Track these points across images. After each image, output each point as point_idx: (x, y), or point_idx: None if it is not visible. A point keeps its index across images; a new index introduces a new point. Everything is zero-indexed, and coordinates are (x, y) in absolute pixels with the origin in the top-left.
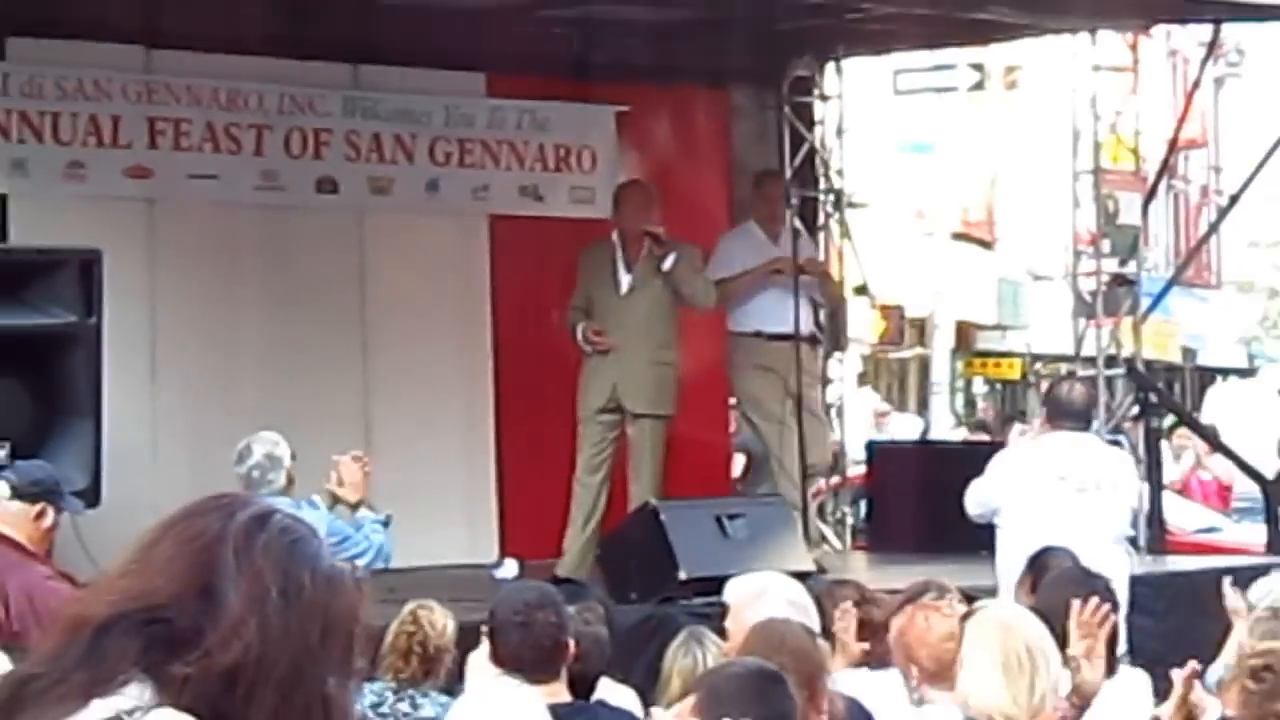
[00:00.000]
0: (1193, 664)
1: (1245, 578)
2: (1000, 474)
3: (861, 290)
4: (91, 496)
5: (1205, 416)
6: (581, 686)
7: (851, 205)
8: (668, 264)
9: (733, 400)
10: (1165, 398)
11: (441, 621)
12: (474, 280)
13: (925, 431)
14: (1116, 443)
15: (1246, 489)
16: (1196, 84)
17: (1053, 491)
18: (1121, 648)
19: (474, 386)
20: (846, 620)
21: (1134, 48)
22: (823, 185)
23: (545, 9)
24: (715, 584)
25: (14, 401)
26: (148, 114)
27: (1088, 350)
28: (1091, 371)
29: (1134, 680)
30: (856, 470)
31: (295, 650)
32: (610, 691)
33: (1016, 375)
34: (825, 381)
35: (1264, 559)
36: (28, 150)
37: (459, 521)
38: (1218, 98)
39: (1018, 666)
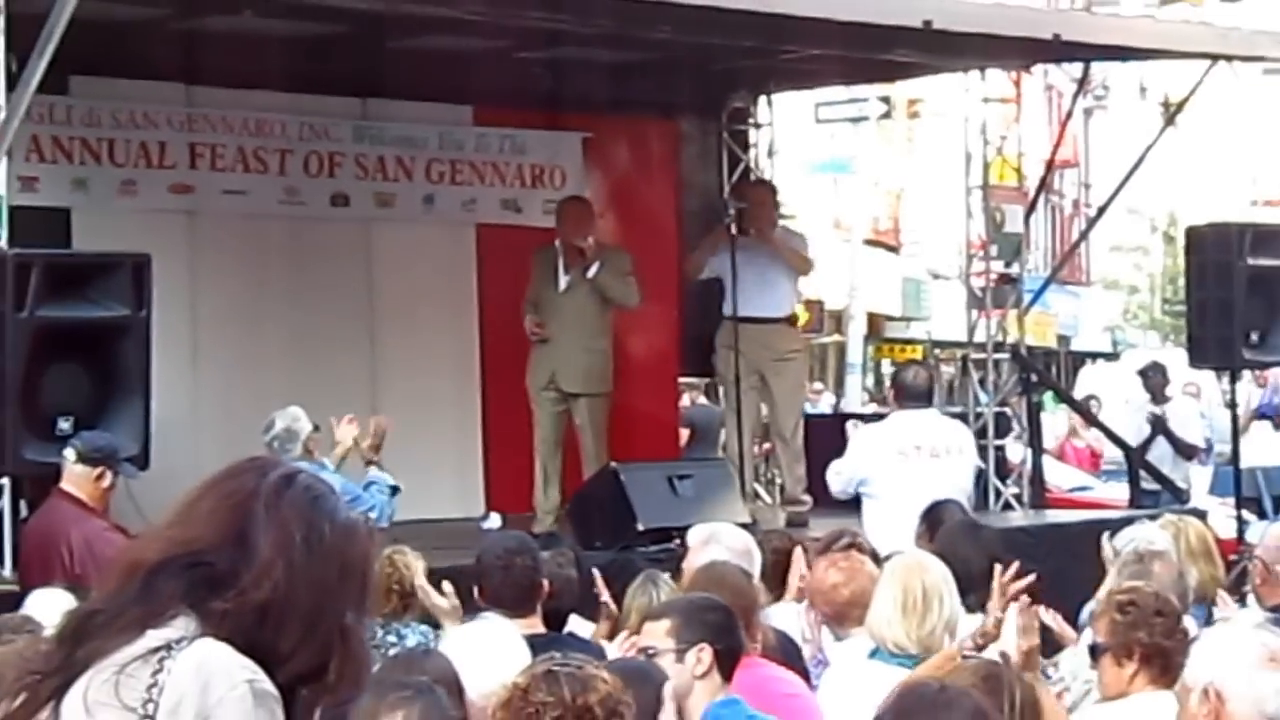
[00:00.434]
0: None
1: (1113, 529)
2: (865, 449)
3: None
4: (142, 461)
5: (1078, 393)
6: (554, 621)
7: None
8: (591, 272)
9: (687, 379)
10: (1044, 377)
11: (414, 563)
12: (464, 280)
13: (837, 405)
14: (963, 417)
15: (1115, 455)
16: (1069, 114)
17: (912, 459)
18: None
19: (464, 368)
20: (797, 565)
21: (1017, 83)
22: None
23: (523, 52)
24: (668, 534)
25: (76, 381)
26: (189, 140)
27: (979, 337)
28: (982, 355)
29: (1013, 615)
30: None
31: (317, 589)
32: (579, 625)
33: (919, 358)
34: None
35: (1127, 512)
36: (88, 171)
37: (451, 481)
38: (1087, 125)
39: (913, 605)
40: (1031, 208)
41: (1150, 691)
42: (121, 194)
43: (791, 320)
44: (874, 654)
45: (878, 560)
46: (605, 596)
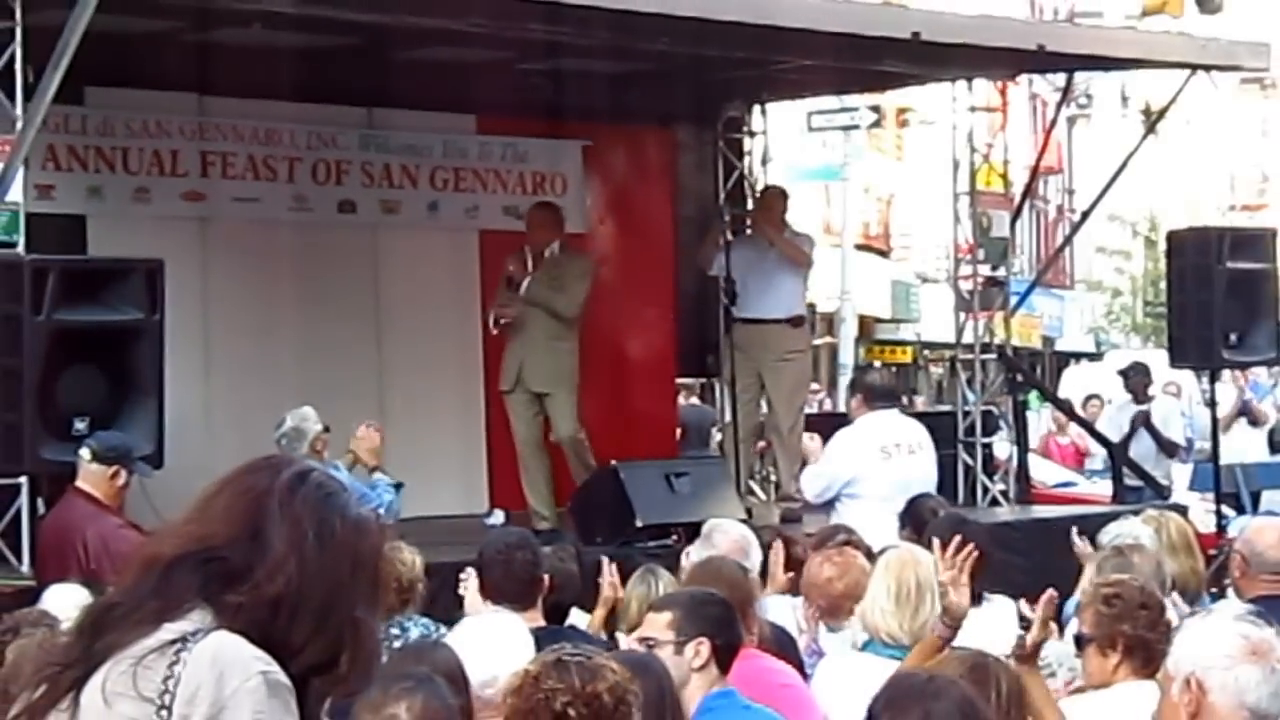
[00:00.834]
0: (1050, 591)
1: (1096, 523)
2: (847, 452)
3: None
4: (156, 461)
5: (1061, 392)
6: (556, 614)
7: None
8: (523, 290)
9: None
10: (1029, 377)
11: (411, 558)
12: (467, 284)
13: (832, 405)
14: (952, 415)
15: (1101, 452)
16: (1053, 122)
17: (895, 456)
18: None
19: (467, 369)
20: (776, 557)
21: (1003, 93)
22: (750, 205)
23: (524, 63)
24: (665, 529)
25: (92, 383)
26: (201, 148)
27: (966, 339)
28: (969, 356)
29: (1001, 607)
30: None
31: (329, 583)
32: (580, 618)
33: (909, 359)
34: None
35: (1110, 508)
36: (102, 179)
37: (456, 479)
38: (1070, 133)
39: (907, 597)
40: (1017, 213)
41: (1133, 681)
42: (135, 201)
43: (796, 321)
44: (867, 645)
45: (871, 556)
46: (611, 579)
